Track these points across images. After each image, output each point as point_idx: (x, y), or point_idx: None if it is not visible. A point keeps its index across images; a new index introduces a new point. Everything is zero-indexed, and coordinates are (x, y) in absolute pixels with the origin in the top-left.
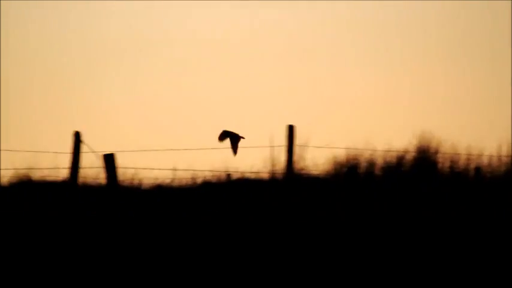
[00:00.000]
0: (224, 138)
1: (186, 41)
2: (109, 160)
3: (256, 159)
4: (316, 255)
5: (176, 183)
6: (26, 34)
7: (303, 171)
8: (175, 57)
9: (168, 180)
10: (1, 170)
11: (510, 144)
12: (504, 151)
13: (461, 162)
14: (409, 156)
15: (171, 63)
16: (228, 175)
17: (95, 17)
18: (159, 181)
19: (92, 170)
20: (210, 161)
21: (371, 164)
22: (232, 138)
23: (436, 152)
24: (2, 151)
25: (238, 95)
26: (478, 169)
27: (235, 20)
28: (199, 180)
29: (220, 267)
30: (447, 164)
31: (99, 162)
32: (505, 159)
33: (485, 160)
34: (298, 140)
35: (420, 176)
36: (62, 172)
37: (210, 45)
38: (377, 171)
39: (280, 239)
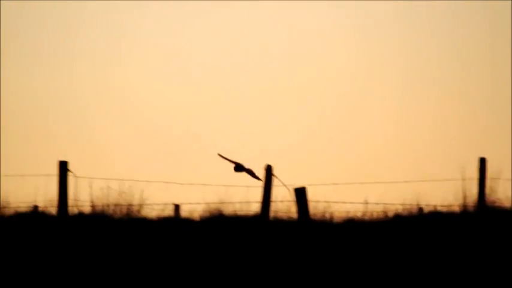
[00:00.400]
0: (239, 171)
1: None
2: (300, 194)
3: (448, 192)
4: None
5: (368, 216)
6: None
7: (495, 204)
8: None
9: (359, 214)
10: (193, 204)
11: None
12: None
13: None
14: None
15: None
16: (420, 208)
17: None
18: (350, 215)
19: (283, 203)
20: (402, 194)
21: None
22: (248, 172)
23: None
24: (195, 185)
25: (428, 128)
26: None
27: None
28: (390, 214)
29: None
30: None
31: (291, 196)
32: None
33: None
34: (489, 173)
35: None
36: (254, 206)
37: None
38: None
39: (473, 272)
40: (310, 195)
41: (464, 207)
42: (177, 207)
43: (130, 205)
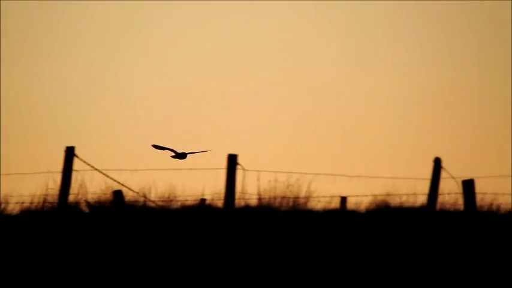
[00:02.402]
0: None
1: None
2: (468, 186)
3: None
4: None
5: None
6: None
7: None
8: None
9: None
10: (360, 197)
11: None
12: None
13: None
14: None
15: None
16: None
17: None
18: None
19: (451, 196)
20: None
21: None
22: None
23: None
24: (362, 177)
25: None
26: None
27: None
28: None
29: None
30: None
31: (458, 188)
32: None
33: None
34: None
35: None
36: (420, 198)
37: None
38: None
39: None
40: (478, 187)
41: None
42: (343, 199)
43: (296, 197)
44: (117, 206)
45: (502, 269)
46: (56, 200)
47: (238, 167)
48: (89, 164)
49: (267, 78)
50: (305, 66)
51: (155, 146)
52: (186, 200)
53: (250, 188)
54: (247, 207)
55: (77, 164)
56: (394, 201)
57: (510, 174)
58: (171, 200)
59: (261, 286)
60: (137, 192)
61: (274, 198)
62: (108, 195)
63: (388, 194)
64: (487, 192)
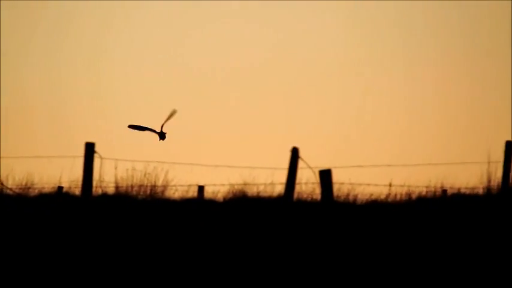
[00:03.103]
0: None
1: None
2: (325, 176)
3: (472, 175)
4: None
5: (391, 198)
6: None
7: None
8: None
9: (383, 196)
10: (217, 186)
11: None
12: None
13: None
14: None
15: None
16: (444, 191)
17: None
18: (374, 197)
19: (308, 185)
20: (426, 177)
21: None
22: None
23: None
24: (219, 166)
25: (454, 110)
26: None
27: None
28: (414, 196)
29: None
30: None
31: (316, 178)
32: None
33: None
34: None
35: None
36: (278, 188)
37: None
38: None
39: (495, 253)
40: (335, 177)
41: (488, 190)
42: (201, 188)
43: (154, 186)
44: None
45: (358, 259)
46: None
47: (96, 155)
48: None
49: (125, 68)
50: (171, 56)
51: (132, 126)
52: (43, 188)
53: (108, 176)
54: (104, 196)
55: None
56: (252, 190)
57: (367, 164)
58: (29, 188)
59: (116, 274)
60: None
61: (132, 186)
62: None
63: (245, 184)
64: (344, 183)
